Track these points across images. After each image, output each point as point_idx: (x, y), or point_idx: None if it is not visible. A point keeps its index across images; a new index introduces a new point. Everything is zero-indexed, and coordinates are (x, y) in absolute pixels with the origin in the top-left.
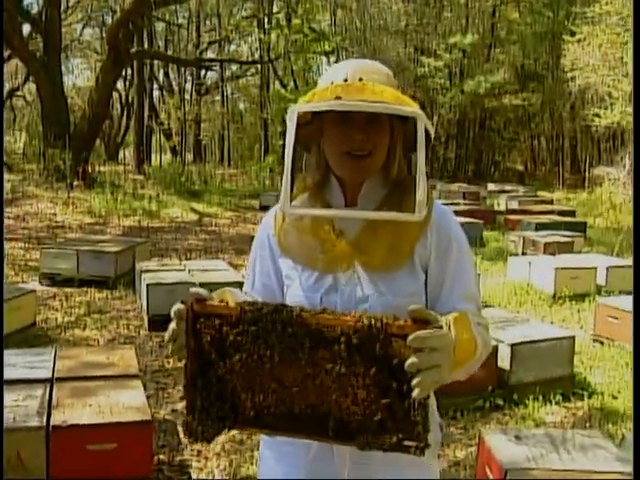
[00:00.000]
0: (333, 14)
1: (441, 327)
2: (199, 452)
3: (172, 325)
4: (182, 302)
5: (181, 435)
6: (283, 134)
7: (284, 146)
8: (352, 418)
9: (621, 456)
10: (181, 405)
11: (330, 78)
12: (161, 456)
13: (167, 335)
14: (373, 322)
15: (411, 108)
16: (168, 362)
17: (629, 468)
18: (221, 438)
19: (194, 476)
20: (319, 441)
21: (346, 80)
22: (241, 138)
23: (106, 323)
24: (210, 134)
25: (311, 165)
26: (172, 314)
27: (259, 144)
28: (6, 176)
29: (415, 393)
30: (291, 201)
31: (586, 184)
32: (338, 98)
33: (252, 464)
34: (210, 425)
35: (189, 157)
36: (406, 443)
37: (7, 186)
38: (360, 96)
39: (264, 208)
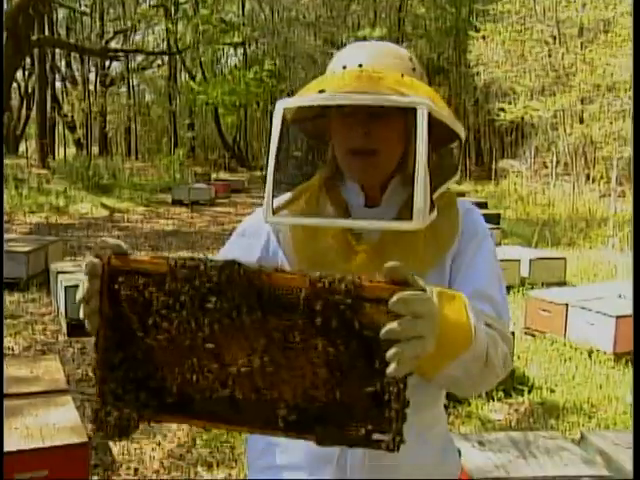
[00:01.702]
0: (242, 4)
1: (424, 290)
2: (136, 470)
3: (84, 286)
4: (97, 256)
5: (115, 452)
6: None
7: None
8: (310, 405)
9: (586, 457)
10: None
11: (331, 66)
12: (95, 478)
13: (78, 295)
14: (340, 282)
15: (411, 98)
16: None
17: (596, 470)
18: (157, 454)
19: None
20: (266, 434)
21: (345, 67)
22: (148, 131)
23: (20, 329)
24: (116, 126)
25: (325, 161)
26: (84, 270)
27: (167, 137)
28: None
29: (391, 369)
30: (274, 209)
31: (492, 176)
32: (322, 91)
33: None
34: (126, 415)
35: (95, 150)
36: (376, 437)
37: None
38: (353, 86)
39: (176, 202)
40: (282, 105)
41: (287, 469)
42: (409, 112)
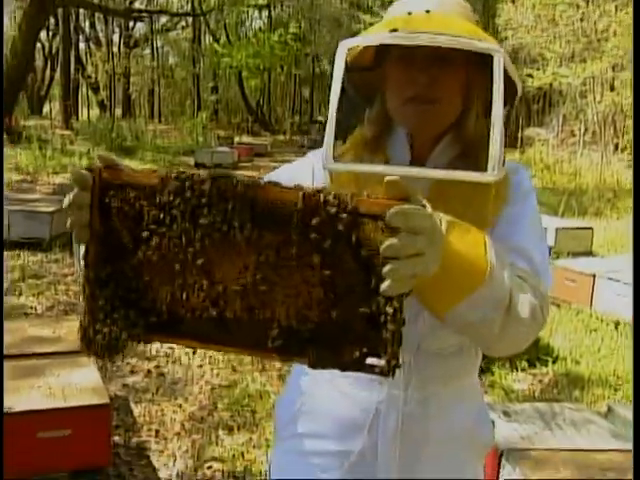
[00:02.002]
0: None
1: (425, 206)
2: (157, 432)
3: (71, 195)
4: (88, 169)
5: (136, 413)
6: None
7: (330, 90)
8: (302, 326)
9: (614, 430)
10: (132, 380)
11: (391, 11)
12: (116, 438)
13: (65, 204)
14: (336, 197)
15: (487, 44)
16: None
17: (624, 443)
18: (178, 417)
19: (154, 459)
20: (256, 356)
21: (410, 13)
22: (172, 93)
23: (43, 289)
24: (139, 88)
25: (371, 116)
26: (72, 181)
27: (190, 100)
28: None
29: (385, 285)
30: (335, 155)
31: (518, 145)
32: (394, 31)
33: (217, 445)
34: (115, 333)
35: (118, 112)
36: (371, 360)
37: None
38: (423, 28)
39: (199, 165)
40: (346, 45)
41: (314, 437)
42: (481, 60)
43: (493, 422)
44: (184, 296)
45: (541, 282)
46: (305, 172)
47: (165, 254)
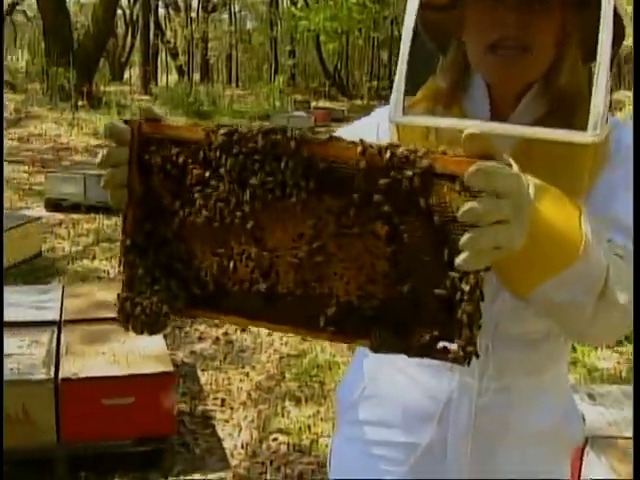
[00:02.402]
0: None
1: (511, 165)
2: (223, 401)
3: (106, 151)
4: (126, 122)
5: (203, 381)
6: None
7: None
8: (365, 303)
9: None
10: (200, 346)
11: None
12: (182, 405)
13: (98, 163)
14: (407, 155)
15: None
16: None
17: None
18: (245, 386)
19: (219, 429)
20: (310, 336)
21: None
22: (249, 58)
23: (116, 252)
24: (217, 53)
25: (446, 65)
26: (108, 134)
27: (268, 64)
28: (9, 96)
29: (462, 258)
30: (404, 108)
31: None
32: None
33: (283, 416)
34: (156, 307)
35: (196, 77)
36: (443, 345)
37: (10, 106)
38: None
39: None
40: None
41: (378, 426)
42: (587, 6)
43: (583, 417)
44: (231, 266)
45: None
46: (370, 130)
47: (211, 218)
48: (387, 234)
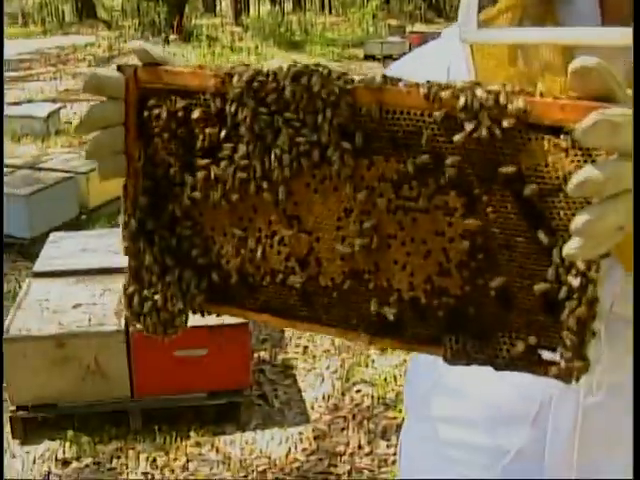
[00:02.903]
0: None
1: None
2: (305, 349)
3: (92, 109)
4: (119, 68)
5: (287, 328)
6: None
7: None
8: (435, 300)
9: None
10: None
11: None
12: (262, 353)
13: (77, 127)
14: (494, 98)
15: None
16: None
17: None
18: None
19: (300, 379)
20: (363, 341)
21: None
22: None
23: None
24: None
25: None
26: (86, 86)
27: None
28: (104, 34)
29: (575, 245)
30: (479, 23)
31: None
32: None
33: (367, 366)
34: (168, 304)
35: (288, 6)
36: (542, 356)
37: (103, 44)
38: None
39: (369, 57)
40: None
41: (456, 424)
42: None
43: None
44: (259, 253)
45: None
46: (437, 62)
47: (231, 191)
48: (464, 210)
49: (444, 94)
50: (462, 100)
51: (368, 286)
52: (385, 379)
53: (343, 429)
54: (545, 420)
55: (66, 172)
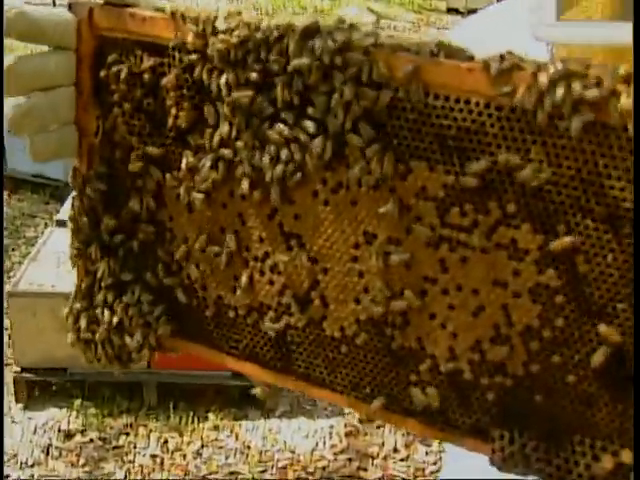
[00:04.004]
0: None
1: None
2: None
3: (30, 62)
4: (69, 7)
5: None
6: None
7: None
8: (486, 379)
9: None
10: None
11: None
12: None
13: (10, 84)
14: (588, 80)
15: None
16: None
17: None
18: None
19: None
20: (369, 416)
21: None
22: None
23: None
24: None
25: None
26: (16, 28)
27: None
28: None
29: None
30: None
31: None
32: None
33: None
34: (123, 334)
35: None
36: (627, 469)
37: None
38: None
39: (452, 10)
40: None
41: None
42: None
43: None
44: (244, 279)
45: None
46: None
47: (209, 190)
48: (542, 252)
49: (523, 76)
50: (555, 90)
51: (391, 345)
52: None
53: (379, 427)
54: None
55: None
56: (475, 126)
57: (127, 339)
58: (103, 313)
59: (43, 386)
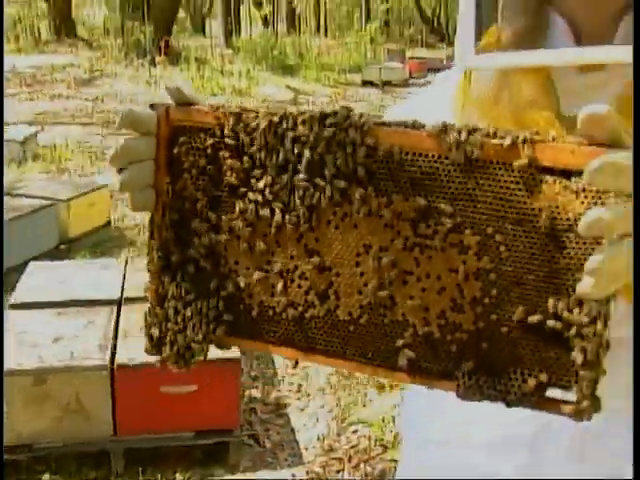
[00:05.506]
0: None
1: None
2: (299, 387)
3: (126, 143)
4: (151, 106)
5: (278, 365)
6: None
7: None
8: (450, 336)
9: None
10: None
11: None
12: (253, 391)
13: (112, 157)
14: (507, 142)
15: None
16: None
17: None
18: (324, 370)
19: (293, 419)
20: (376, 375)
21: None
22: (339, 4)
23: None
24: (305, 1)
25: (512, 5)
26: (121, 122)
27: (359, 11)
28: (85, 54)
29: (588, 284)
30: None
31: None
32: None
33: (364, 406)
34: (190, 336)
35: (282, 28)
36: (553, 393)
37: (84, 64)
38: None
39: (367, 83)
40: None
41: (457, 448)
42: None
43: None
44: (280, 286)
45: None
46: (438, 104)
47: (254, 226)
48: (479, 247)
49: (460, 137)
50: (478, 143)
51: (384, 320)
52: (383, 419)
53: (339, 472)
54: (544, 443)
55: (45, 199)
56: (432, 170)
57: (191, 339)
58: (171, 321)
59: (9, 464)
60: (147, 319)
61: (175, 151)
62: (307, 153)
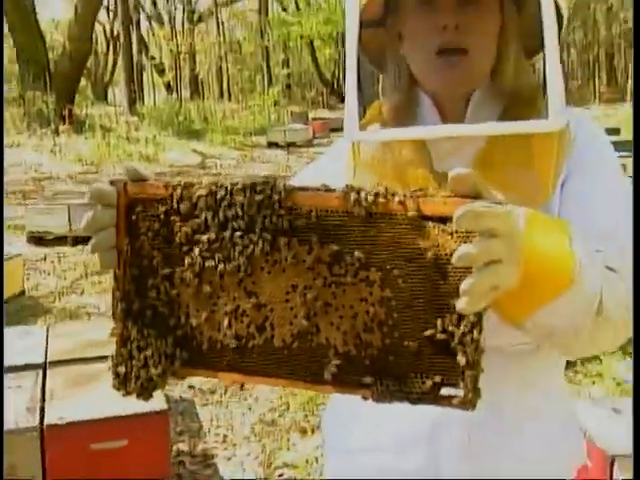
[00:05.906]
0: None
1: (501, 203)
2: (225, 437)
3: (92, 215)
4: (111, 183)
5: (202, 418)
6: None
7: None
8: (364, 353)
9: None
10: (199, 380)
11: None
12: (180, 445)
13: (84, 227)
14: (392, 198)
15: None
16: None
17: None
18: (248, 419)
19: (221, 468)
20: (311, 389)
21: None
22: (241, 69)
23: (106, 286)
24: (207, 67)
25: (388, 85)
26: (90, 197)
27: (261, 75)
28: None
29: (463, 302)
30: (359, 126)
31: (626, 98)
32: None
33: (288, 449)
34: (152, 370)
35: (186, 94)
36: (446, 391)
37: None
38: None
39: (272, 145)
40: None
41: (368, 452)
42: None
43: (585, 432)
44: (225, 323)
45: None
46: (336, 169)
47: (201, 275)
48: (381, 280)
49: (360, 197)
50: (373, 201)
51: (311, 344)
52: (307, 461)
53: None
54: (439, 438)
55: None
56: (342, 223)
57: (153, 372)
58: (134, 359)
59: None
60: (114, 359)
61: (133, 218)
62: (241, 214)
